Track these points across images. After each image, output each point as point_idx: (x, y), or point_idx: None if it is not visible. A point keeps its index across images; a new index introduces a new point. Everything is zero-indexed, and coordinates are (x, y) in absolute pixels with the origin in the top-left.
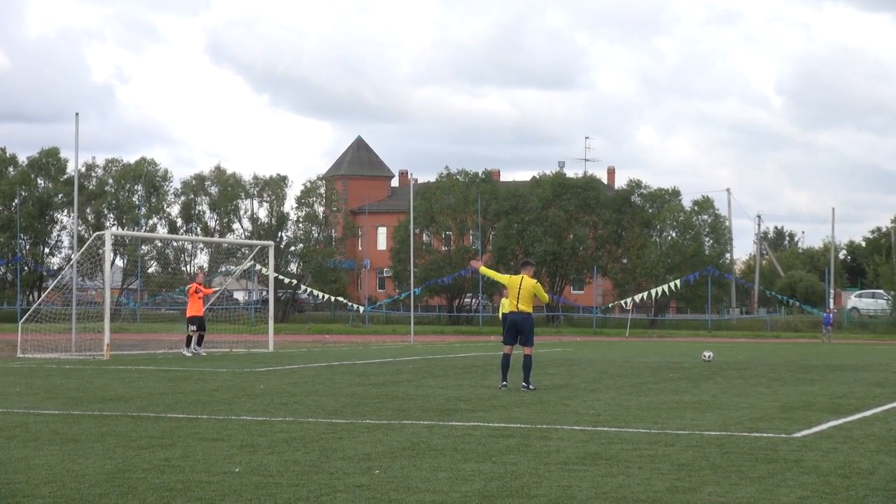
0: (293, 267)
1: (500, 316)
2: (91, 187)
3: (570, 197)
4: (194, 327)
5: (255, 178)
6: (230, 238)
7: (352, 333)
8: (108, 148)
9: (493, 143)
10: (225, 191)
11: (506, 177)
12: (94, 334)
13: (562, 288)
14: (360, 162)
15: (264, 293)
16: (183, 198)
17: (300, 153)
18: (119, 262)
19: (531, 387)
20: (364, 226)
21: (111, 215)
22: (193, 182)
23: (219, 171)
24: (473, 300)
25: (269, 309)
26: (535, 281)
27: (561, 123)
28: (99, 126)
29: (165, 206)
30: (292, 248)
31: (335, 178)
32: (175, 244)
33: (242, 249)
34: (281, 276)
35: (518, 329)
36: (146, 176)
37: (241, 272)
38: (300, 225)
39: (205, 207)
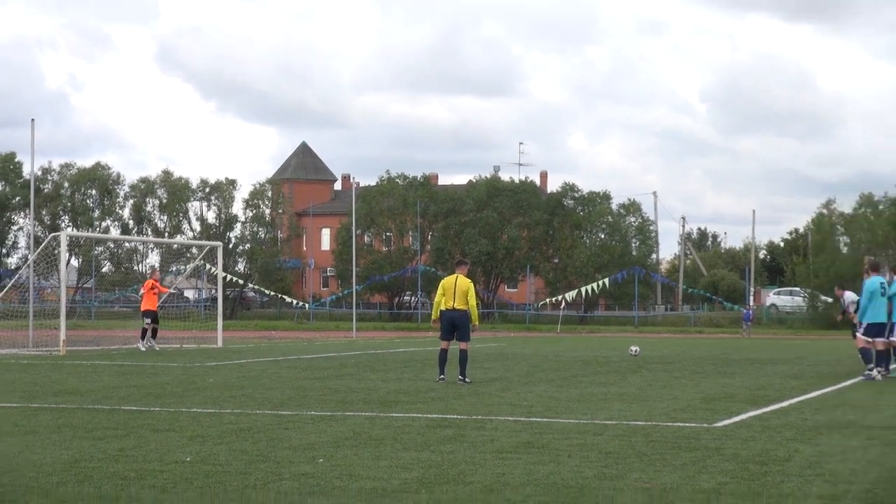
0: (241, 266)
1: (436, 315)
2: (47, 190)
3: (504, 200)
4: (149, 320)
5: (203, 181)
6: (180, 239)
7: (297, 329)
8: (64, 152)
9: (432, 148)
10: (174, 193)
11: (444, 180)
12: (51, 331)
13: (496, 286)
14: (304, 166)
15: (213, 291)
16: (134, 200)
17: (247, 157)
18: (74, 262)
19: (467, 380)
20: (308, 227)
21: (66, 217)
22: (142, 185)
23: (167, 175)
24: (413, 298)
25: (218, 306)
26: (470, 282)
27: (497, 129)
28: (54, 132)
29: (118, 208)
30: (240, 249)
31: (281, 182)
32: (127, 245)
33: (192, 250)
34: (229, 276)
35: (454, 325)
36: (99, 179)
37: (190, 272)
38: (247, 226)
39: (155, 210)
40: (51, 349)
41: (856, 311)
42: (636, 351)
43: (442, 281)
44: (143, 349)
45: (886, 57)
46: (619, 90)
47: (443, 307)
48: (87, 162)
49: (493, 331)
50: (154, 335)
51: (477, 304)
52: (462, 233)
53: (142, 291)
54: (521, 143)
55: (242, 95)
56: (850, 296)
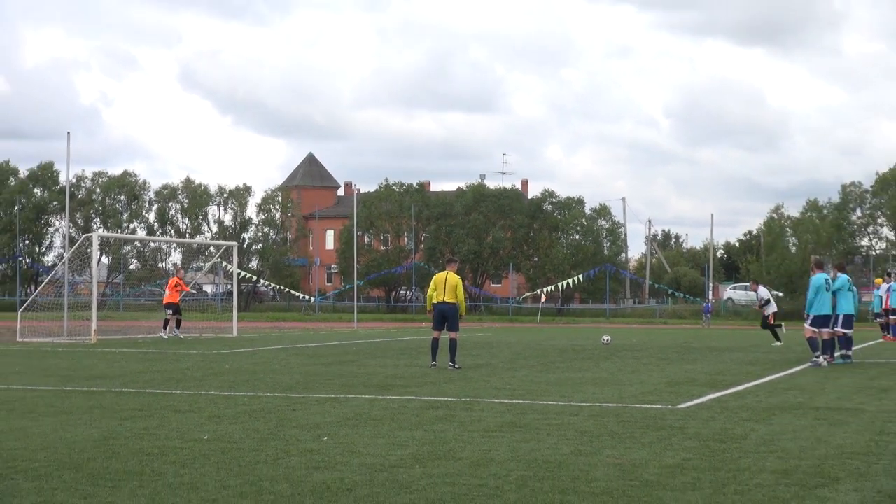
0: (254, 264)
1: (429, 307)
2: (80, 196)
3: (489, 204)
4: (170, 312)
5: (221, 188)
6: (199, 239)
7: (304, 321)
8: (96, 162)
9: (425, 158)
10: (194, 198)
11: (436, 187)
12: (84, 322)
13: (483, 281)
14: (311, 174)
15: (229, 286)
16: (158, 205)
17: (260, 166)
18: (104, 260)
19: (457, 366)
20: (314, 229)
21: (98, 220)
22: (166, 191)
23: (188, 182)
24: (408, 292)
25: (233, 300)
26: (459, 278)
27: (482, 141)
28: (87, 143)
29: (144, 211)
30: (253, 248)
31: (290, 188)
32: (152, 244)
33: (210, 249)
34: (243, 272)
35: (444, 316)
36: (128, 186)
37: (209, 268)
38: (260, 228)
39: (177, 213)
40: (83, 338)
41: (765, 305)
42: (608, 340)
43: (434, 277)
44: (166, 337)
45: (827, 77)
46: (591, 107)
47: (434, 300)
48: (116, 170)
49: (479, 322)
50: (178, 325)
51: (465, 297)
52: (452, 234)
53: (167, 291)
54: (504, 154)
55: (256, 111)
56: (763, 291)
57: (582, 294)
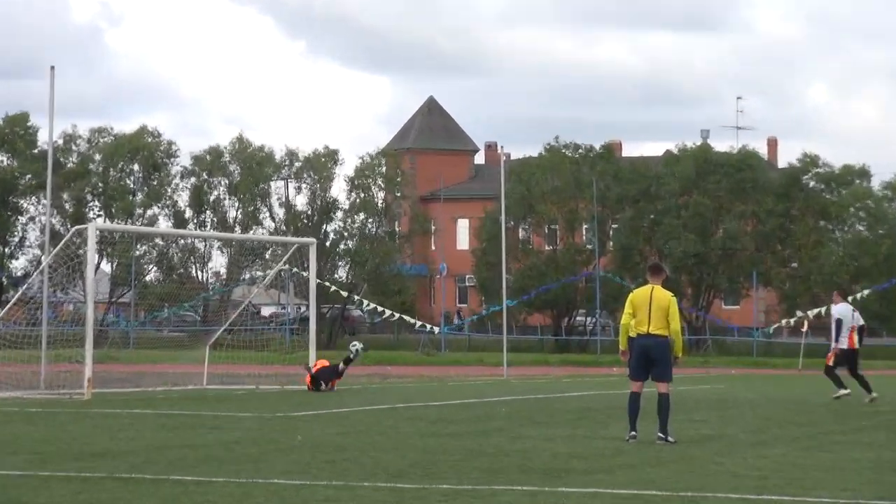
0: (342, 273)
1: (624, 343)
2: (70, 165)
3: (718, 179)
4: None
5: (291, 153)
6: (258, 234)
7: (423, 364)
8: (94, 113)
9: (612, 105)
10: (250, 170)
11: (630, 151)
12: (71, 365)
13: (709, 302)
14: (432, 131)
15: (303, 309)
16: (193, 180)
17: (350, 120)
18: (106, 267)
19: (670, 438)
20: (438, 217)
21: (96, 203)
22: (208, 158)
23: (241, 144)
24: (589, 319)
25: (309, 330)
26: (672, 297)
27: (703, 78)
28: (81, 84)
29: (170, 191)
30: (341, 247)
31: (399, 154)
32: (182, 242)
33: (274, 249)
34: (326, 285)
35: (650, 358)
36: (144, 151)
37: (271, 280)
38: (352, 216)
39: (223, 193)
40: (71, 392)
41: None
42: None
43: (631, 295)
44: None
45: None
46: (878, 21)
47: (633, 332)
48: (126, 126)
49: (704, 367)
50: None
51: (682, 328)
52: (658, 226)
53: None
54: (738, 98)
55: (341, 32)
56: (842, 309)
57: (871, 321)
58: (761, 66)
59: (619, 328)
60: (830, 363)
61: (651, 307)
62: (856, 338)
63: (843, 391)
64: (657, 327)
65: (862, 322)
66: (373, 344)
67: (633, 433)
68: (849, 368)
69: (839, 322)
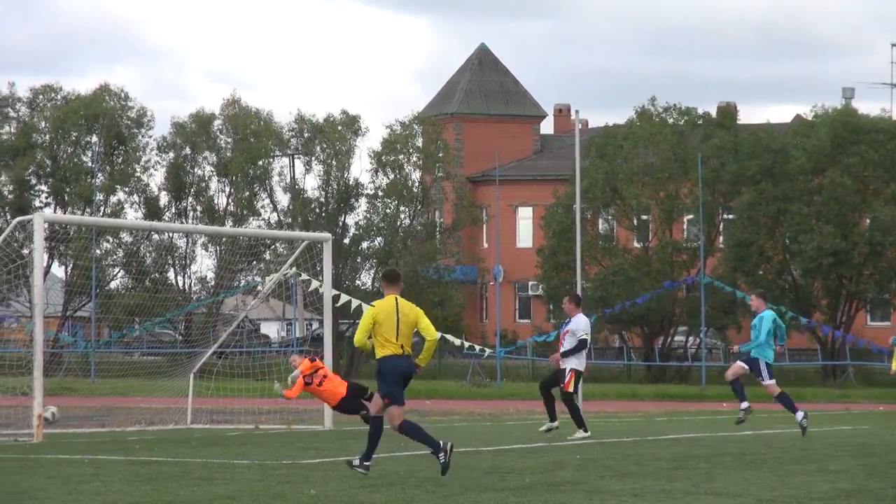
0: (366, 277)
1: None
2: (6, 136)
3: (864, 150)
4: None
5: (301, 118)
6: (254, 227)
7: (473, 397)
8: (38, 67)
9: (722, 54)
10: (245, 143)
11: (748, 116)
12: (16, 399)
13: (850, 315)
14: (484, 91)
15: (315, 325)
16: (171, 156)
17: (377, 76)
18: (58, 271)
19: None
20: (493, 204)
21: (43, 187)
22: (192, 126)
23: (235, 109)
24: (690, 339)
25: (323, 353)
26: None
27: (845, 20)
28: (20, 28)
29: (140, 170)
30: (365, 245)
31: (441, 120)
32: (157, 238)
33: (276, 247)
34: (343, 295)
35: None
36: (105, 118)
37: (271, 287)
38: (378, 203)
39: (210, 173)
40: (16, 433)
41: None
42: None
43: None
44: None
45: None
46: None
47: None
48: (81, 84)
49: (845, 402)
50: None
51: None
52: (784, 215)
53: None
54: (894, 46)
55: None
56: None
57: None
58: None
59: (359, 343)
60: (572, 389)
61: (400, 322)
62: None
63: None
64: (409, 346)
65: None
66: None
67: (368, 465)
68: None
69: (583, 343)
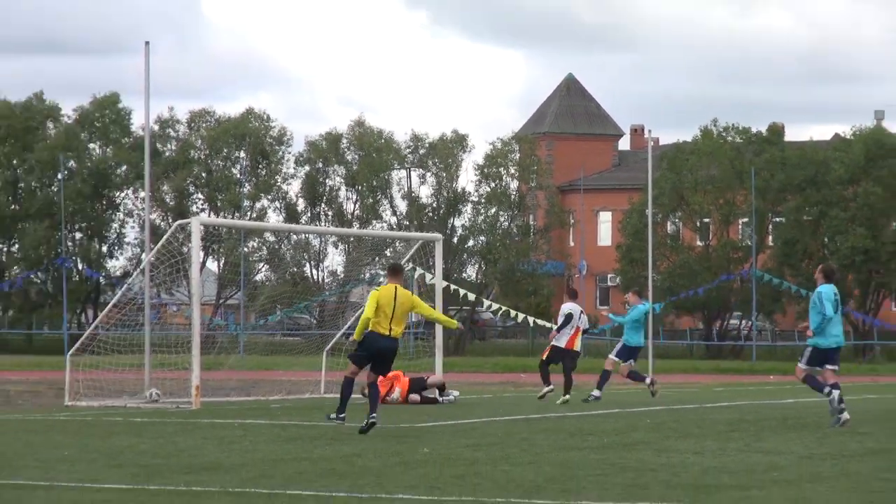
0: (471, 271)
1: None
2: (169, 154)
3: (892, 164)
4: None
5: (416, 138)
6: (378, 229)
7: (558, 371)
8: (193, 94)
9: (774, 82)
10: (369, 159)
11: (793, 135)
12: (177, 372)
13: (878, 303)
14: (571, 113)
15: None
16: (307, 169)
17: (481, 100)
18: (212, 266)
19: (376, 418)
20: (578, 209)
21: (199, 195)
22: (323, 145)
23: (360, 129)
24: (743, 322)
25: (435, 335)
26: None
27: (878, 50)
28: (178, 60)
29: (281, 180)
30: (470, 244)
31: (534, 139)
32: (295, 238)
33: (396, 245)
34: (453, 286)
35: (383, 357)
36: (252, 137)
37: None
38: (482, 208)
39: (339, 183)
40: (177, 401)
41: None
42: None
43: (376, 293)
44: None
45: None
46: None
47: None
48: (229, 108)
49: (872, 374)
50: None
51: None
52: (824, 218)
53: None
54: None
55: (468, 2)
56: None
57: None
58: None
59: (360, 321)
60: (545, 357)
61: (396, 308)
62: (578, 341)
63: (546, 388)
64: (397, 331)
65: (587, 325)
66: (506, 350)
67: (343, 416)
68: (564, 369)
69: (568, 318)
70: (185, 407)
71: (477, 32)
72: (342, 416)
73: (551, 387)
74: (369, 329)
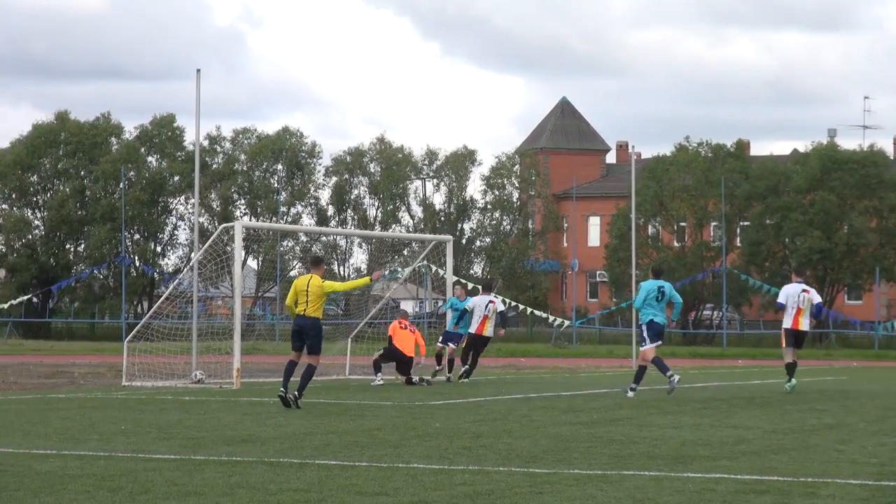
0: (477, 268)
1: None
2: (216, 166)
3: (843, 175)
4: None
5: (431, 152)
6: (397, 231)
7: (555, 356)
8: (237, 114)
9: (741, 103)
10: (390, 170)
11: (758, 149)
12: (221, 356)
13: (833, 297)
14: (565, 131)
15: (440, 304)
16: (335, 179)
17: (485, 120)
18: (252, 263)
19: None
20: (571, 214)
21: (242, 202)
22: (349, 159)
23: (382, 145)
24: (715, 313)
25: (446, 325)
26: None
27: (832, 77)
28: (225, 85)
29: (313, 189)
30: (477, 244)
31: (533, 153)
32: (325, 239)
33: (412, 245)
34: (462, 281)
35: (304, 335)
36: (288, 151)
37: (409, 275)
38: (488, 214)
39: (363, 191)
40: (221, 381)
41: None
42: None
43: (295, 281)
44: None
45: None
46: None
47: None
48: (269, 127)
49: (828, 359)
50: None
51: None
52: (785, 222)
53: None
54: (866, 98)
55: (476, 33)
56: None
57: None
58: (890, 64)
59: (286, 307)
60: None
61: (308, 293)
62: (488, 327)
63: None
64: (312, 310)
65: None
66: (507, 337)
67: (283, 391)
68: (473, 352)
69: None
70: (226, 387)
71: (483, 61)
72: (281, 390)
73: (466, 367)
74: (295, 314)
